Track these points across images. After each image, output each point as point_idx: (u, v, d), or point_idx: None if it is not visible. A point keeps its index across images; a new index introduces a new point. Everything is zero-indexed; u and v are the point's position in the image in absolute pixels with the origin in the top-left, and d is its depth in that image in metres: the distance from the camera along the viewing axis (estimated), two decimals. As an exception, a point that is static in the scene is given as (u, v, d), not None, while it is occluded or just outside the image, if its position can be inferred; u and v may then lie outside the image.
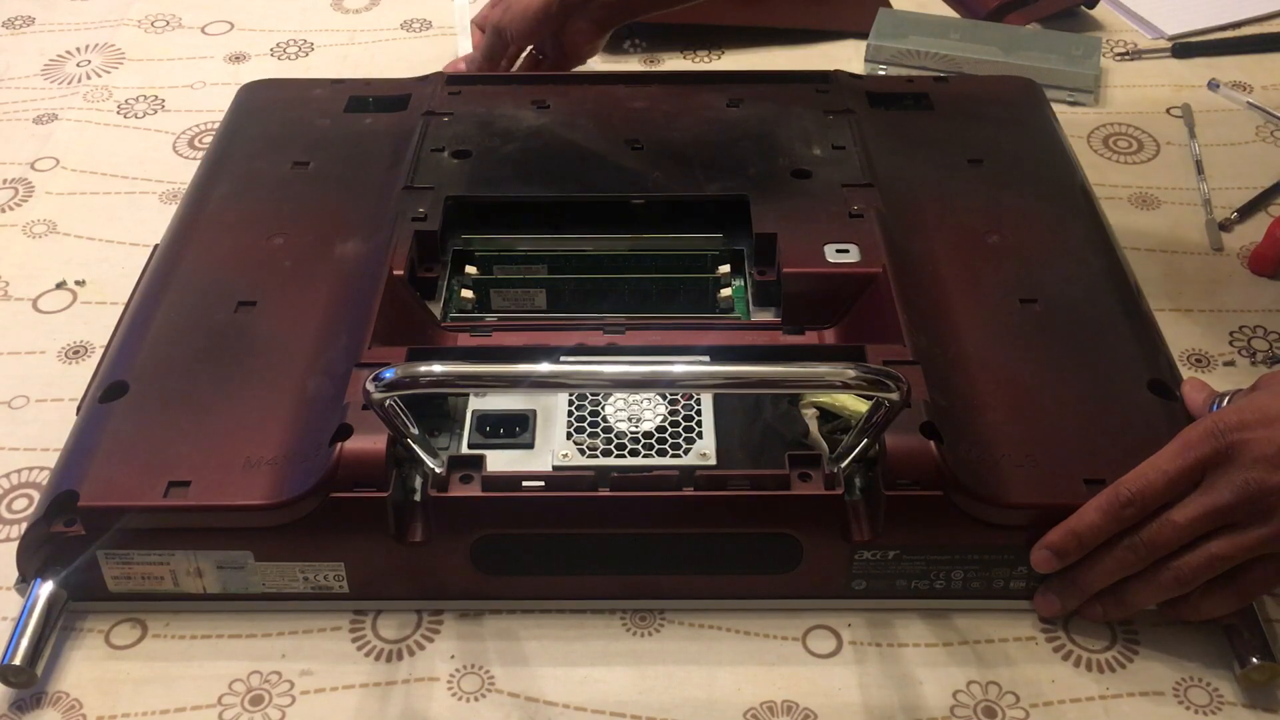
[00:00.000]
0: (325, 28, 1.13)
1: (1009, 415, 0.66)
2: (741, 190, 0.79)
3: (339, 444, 0.61)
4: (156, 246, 0.80)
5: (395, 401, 0.58)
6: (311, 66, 1.07)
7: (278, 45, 1.10)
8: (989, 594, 0.65)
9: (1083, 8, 1.11)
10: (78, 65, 1.07)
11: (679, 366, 0.58)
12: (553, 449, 0.65)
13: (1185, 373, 0.74)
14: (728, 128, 0.86)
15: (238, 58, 1.08)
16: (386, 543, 0.62)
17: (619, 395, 0.67)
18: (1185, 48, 1.07)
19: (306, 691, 0.62)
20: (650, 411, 0.66)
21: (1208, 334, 0.80)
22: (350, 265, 0.75)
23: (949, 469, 0.61)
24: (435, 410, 0.67)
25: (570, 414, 0.66)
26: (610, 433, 0.65)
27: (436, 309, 0.75)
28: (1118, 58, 1.07)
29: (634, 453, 0.64)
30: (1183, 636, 0.64)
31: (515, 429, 0.66)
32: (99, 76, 1.06)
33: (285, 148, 0.86)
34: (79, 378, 0.73)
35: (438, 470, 0.62)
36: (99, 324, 0.79)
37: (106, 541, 0.63)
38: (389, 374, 0.56)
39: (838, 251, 0.74)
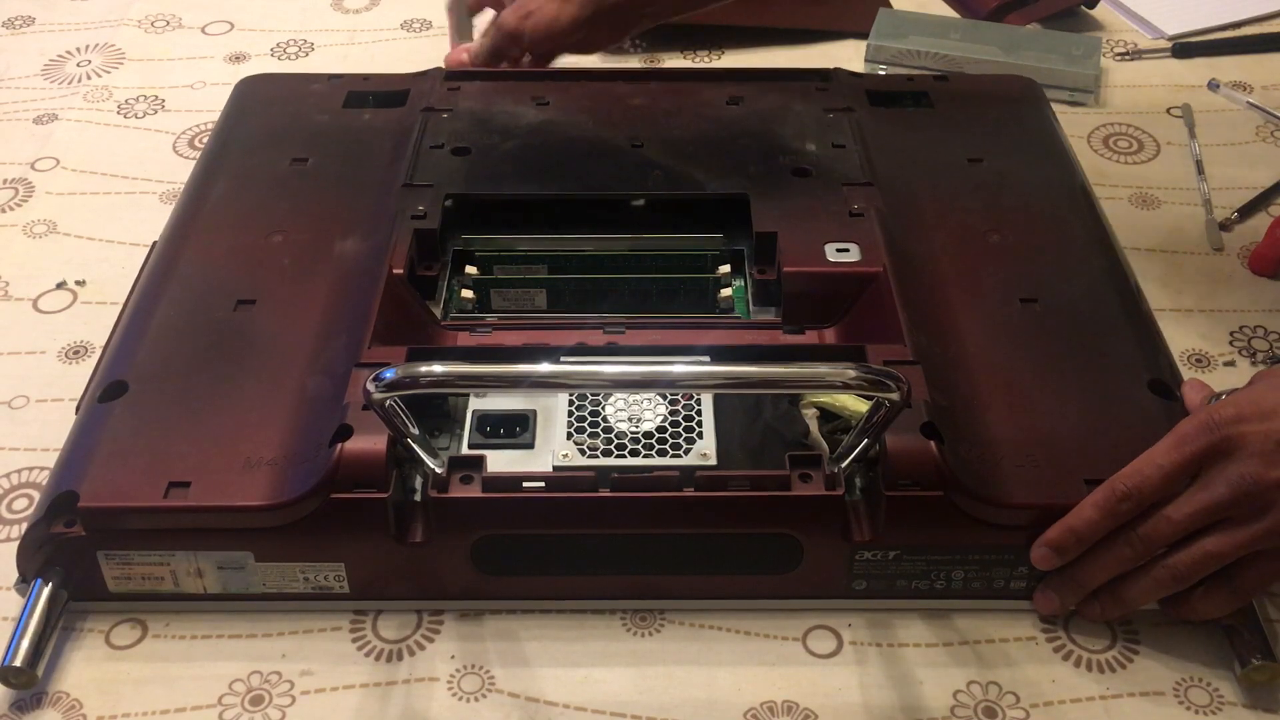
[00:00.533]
0: (325, 28, 1.13)
1: (1009, 415, 0.66)
2: (741, 189, 0.79)
3: (339, 444, 0.61)
4: (155, 244, 0.80)
5: (395, 401, 0.58)
6: (311, 67, 1.07)
7: (278, 45, 1.10)
8: (989, 594, 0.65)
9: (1083, 8, 1.11)
10: (78, 65, 1.07)
11: (679, 366, 0.58)
12: (553, 449, 0.65)
13: (1185, 373, 0.74)
14: (727, 125, 0.86)
15: (238, 58, 1.08)
16: (387, 543, 0.62)
17: (619, 395, 0.67)
18: (1185, 48, 1.07)
19: (307, 691, 0.62)
20: (650, 411, 0.66)
21: (1208, 334, 0.80)
22: (350, 263, 0.75)
23: (949, 469, 0.61)
24: (435, 410, 0.67)
25: (570, 414, 0.66)
26: (610, 433, 0.65)
27: (436, 309, 0.75)
28: (1118, 58, 1.07)
29: (634, 453, 0.64)
30: (1183, 636, 0.64)
31: (515, 429, 0.66)
32: (99, 76, 1.06)
33: (284, 144, 0.86)
34: (79, 378, 0.73)
35: (438, 471, 0.62)
36: (99, 324, 0.79)
37: (107, 542, 0.63)
38: (389, 374, 0.56)
39: (838, 251, 0.74)
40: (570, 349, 0.68)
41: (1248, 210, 0.90)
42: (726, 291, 0.76)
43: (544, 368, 0.58)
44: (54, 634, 0.63)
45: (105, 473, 0.63)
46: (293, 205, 0.80)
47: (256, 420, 0.65)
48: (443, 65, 0.95)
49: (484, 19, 1.01)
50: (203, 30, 1.12)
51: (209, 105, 1.01)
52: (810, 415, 0.67)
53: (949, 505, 0.61)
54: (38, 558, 0.63)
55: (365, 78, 0.94)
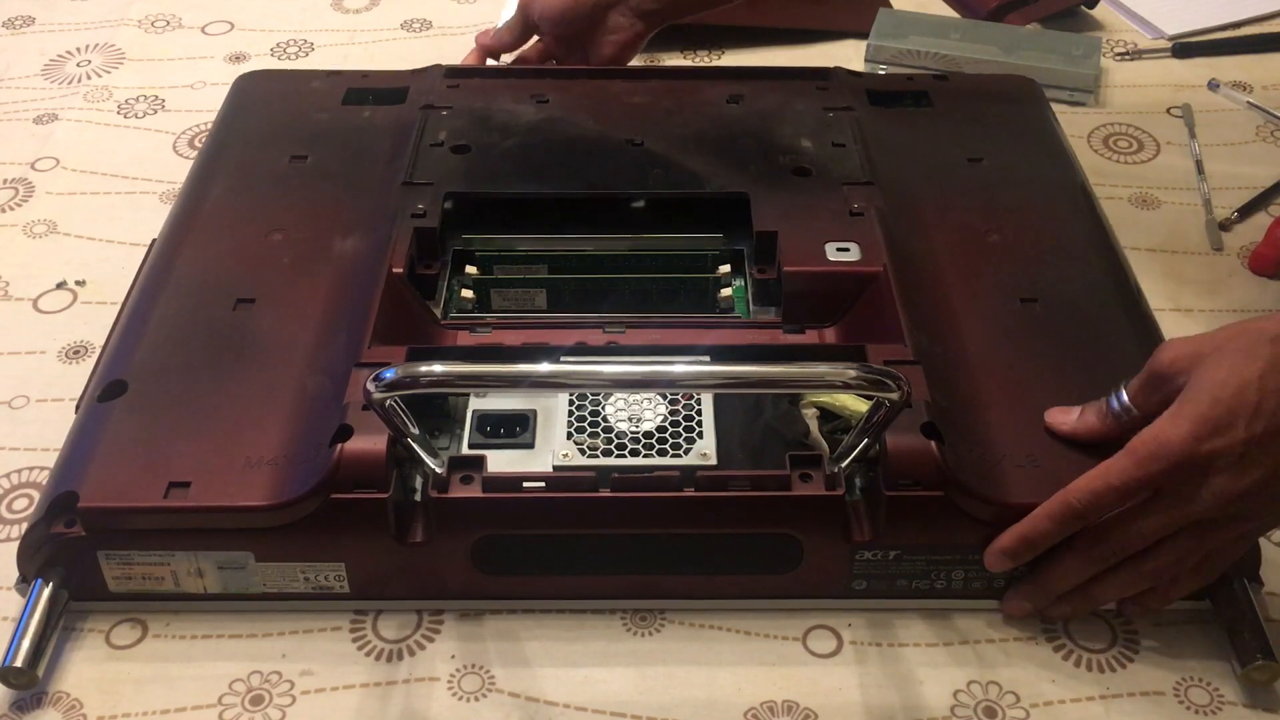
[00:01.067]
0: (325, 28, 1.13)
1: (1010, 415, 0.66)
2: (742, 188, 0.79)
3: (339, 445, 0.61)
4: (153, 242, 0.80)
5: (396, 401, 0.58)
6: (311, 66, 1.07)
7: (278, 45, 1.10)
8: (990, 594, 0.65)
9: (1083, 8, 1.11)
10: (78, 65, 1.07)
11: (679, 366, 0.58)
12: (553, 449, 0.65)
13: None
14: (728, 124, 0.86)
15: (238, 58, 1.08)
16: (387, 543, 0.62)
17: (619, 395, 0.67)
18: (1185, 48, 1.07)
19: (307, 691, 0.62)
20: (650, 411, 0.66)
21: (1208, 334, 0.80)
22: (349, 262, 0.75)
23: (950, 469, 0.61)
24: (435, 410, 0.67)
25: (571, 414, 0.66)
26: (610, 433, 0.65)
27: (437, 309, 0.75)
28: (1118, 58, 1.07)
29: (634, 453, 0.64)
30: (1183, 636, 0.64)
31: (515, 429, 0.66)
32: (99, 76, 1.06)
33: (283, 141, 0.86)
34: (79, 378, 0.73)
35: (438, 471, 0.62)
36: (99, 324, 0.79)
37: (107, 542, 0.63)
38: (389, 374, 0.56)
39: (838, 250, 0.74)
40: (570, 349, 0.68)
41: (1248, 210, 0.90)
42: (726, 291, 0.76)
43: (544, 368, 0.58)
44: (54, 634, 0.63)
45: (105, 473, 0.63)
46: (292, 203, 0.80)
47: (256, 420, 0.65)
48: (442, 64, 0.95)
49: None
50: (203, 30, 1.12)
51: (209, 105, 1.01)
52: (810, 415, 0.67)
53: (949, 505, 0.61)
54: (38, 558, 0.63)
55: (364, 74, 0.94)
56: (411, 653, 0.64)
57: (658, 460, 0.64)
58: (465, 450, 0.65)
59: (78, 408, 0.69)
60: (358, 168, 0.83)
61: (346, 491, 0.61)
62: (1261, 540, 0.64)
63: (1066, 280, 0.75)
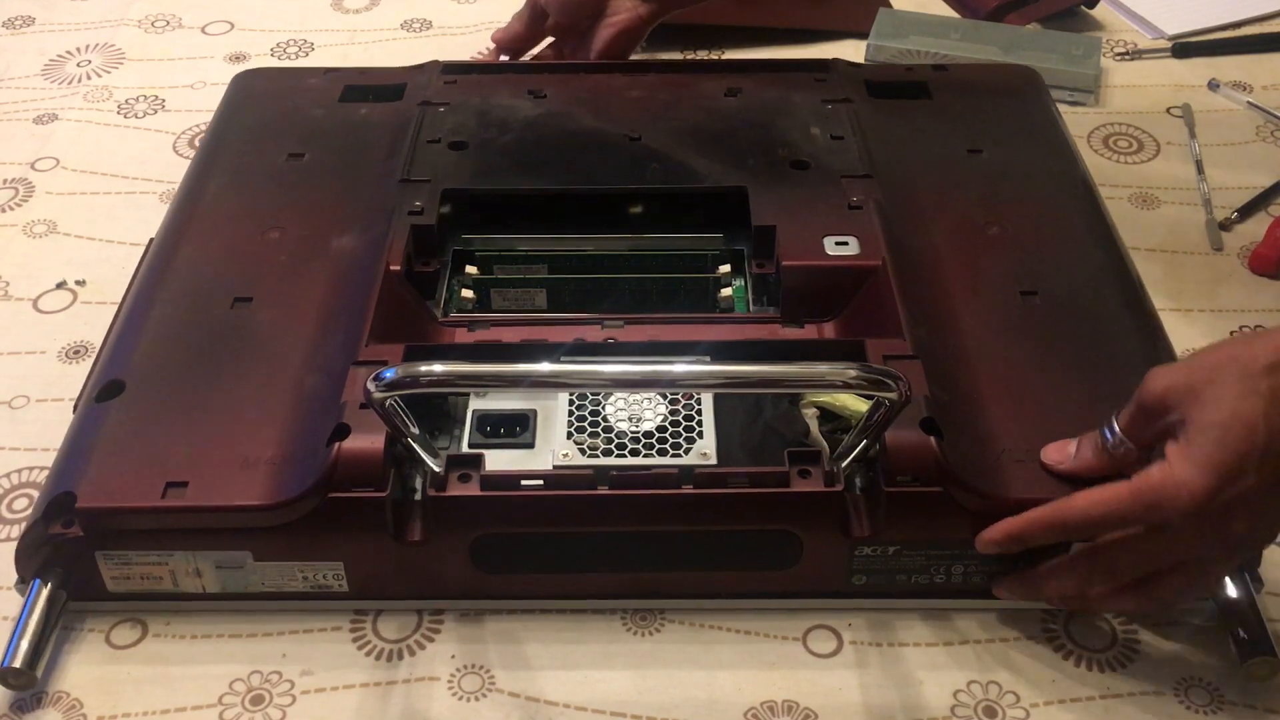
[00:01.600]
0: (325, 28, 1.13)
1: (1009, 410, 0.66)
2: (740, 182, 0.79)
3: (336, 444, 0.61)
4: (152, 240, 0.80)
5: (396, 401, 0.58)
6: (311, 66, 1.07)
7: (278, 45, 1.10)
8: (990, 591, 0.64)
9: (1083, 8, 1.11)
10: (78, 65, 1.07)
11: (679, 366, 0.58)
12: (553, 449, 0.65)
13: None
14: (726, 118, 0.86)
15: (238, 58, 1.08)
16: (386, 542, 0.62)
17: (619, 395, 0.67)
18: (1185, 48, 1.07)
19: (307, 691, 0.62)
20: (650, 411, 0.66)
21: (1208, 334, 0.80)
22: (347, 260, 0.75)
23: (949, 465, 0.61)
24: (435, 410, 0.67)
25: (571, 414, 0.66)
26: (610, 432, 0.65)
27: (436, 309, 0.75)
28: (1118, 58, 1.07)
29: (634, 453, 0.64)
30: (1183, 637, 0.64)
31: (515, 429, 0.66)
32: (99, 76, 1.06)
33: (280, 139, 0.86)
34: (79, 378, 0.73)
35: (436, 470, 0.62)
36: (99, 324, 0.79)
37: (105, 542, 0.62)
38: (389, 374, 0.56)
39: (837, 244, 0.73)
40: (569, 346, 0.68)
41: (1248, 210, 0.90)
42: (726, 291, 0.76)
43: (544, 367, 0.58)
44: (53, 634, 0.63)
45: (102, 473, 0.63)
46: (289, 201, 0.80)
47: (254, 419, 0.65)
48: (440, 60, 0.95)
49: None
50: (203, 30, 1.12)
51: (209, 105, 1.00)
52: (810, 415, 0.67)
53: (948, 501, 0.61)
54: (36, 558, 0.63)
55: (362, 71, 0.94)
56: (411, 653, 0.64)
57: (658, 460, 0.64)
58: (465, 450, 0.65)
59: (76, 408, 0.69)
60: (355, 165, 0.83)
61: (344, 491, 0.61)
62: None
63: (1067, 273, 0.74)
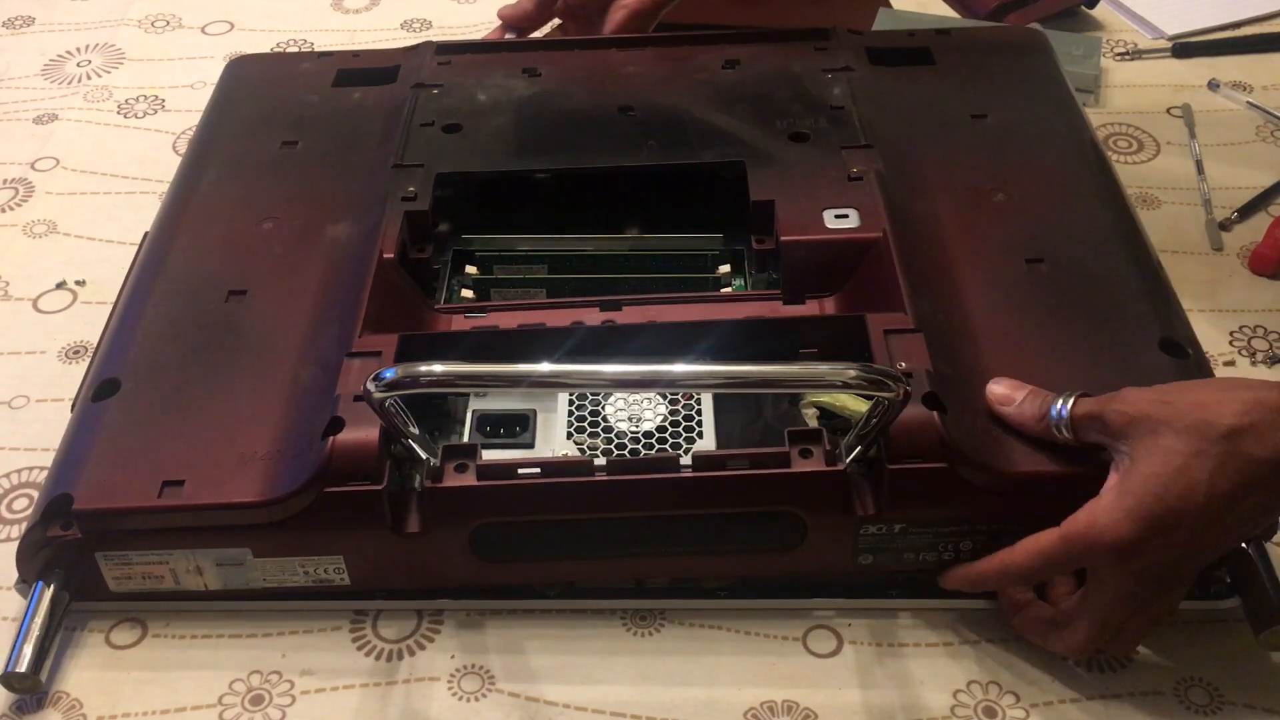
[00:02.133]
0: (325, 28, 1.12)
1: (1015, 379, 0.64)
2: (738, 156, 0.78)
3: (331, 438, 0.61)
4: (146, 234, 0.79)
5: (395, 401, 0.58)
6: (311, 66, 1.07)
7: (278, 45, 1.10)
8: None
9: (1083, 8, 1.11)
10: (78, 65, 1.07)
11: (679, 366, 0.58)
12: (553, 448, 0.64)
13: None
14: (724, 90, 0.84)
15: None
16: (384, 534, 0.62)
17: (619, 395, 0.67)
18: (1185, 48, 1.07)
19: (307, 691, 0.62)
20: (650, 411, 0.66)
21: (1208, 334, 0.80)
22: (341, 249, 0.74)
23: (952, 441, 0.60)
24: (435, 410, 0.67)
25: (571, 414, 0.66)
26: (610, 432, 0.65)
27: (434, 297, 0.74)
28: (1118, 58, 1.07)
29: (634, 452, 0.64)
30: (1183, 636, 0.64)
31: (515, 428, 0.66)
32: (99, 76, 1.06)
33: (273, 126, 0.85)
34: (79, 378, 0.73)
35: (432, 461, 0.61)
36: (99, 324, 0.78)
37: (104, 543, 0.62)
38: (389, 374, 0.56)
39: (836, 217, 0.72)
40: (566, 329, 0.67)
41: (1248, 210, 0.90)
42: (726, 291, 0.76)
43: (544, 368, 0.57)
44: (56, 637, 0.63)
45: (99, 474, 0.63)
46: (283, 191, 0.79)
47: (249, 414, 0.65)
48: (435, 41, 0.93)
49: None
50: (203, 30, 1.12)
51: (209, 105, 1.01)
52: (810, 415, 0.67)
53: (953, 477, 0.60)
54: (37, 561, 0.63)
55: (355, 54, 0.93)
56: (411, 653, 0.64)
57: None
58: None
59: (73, 407, 0.69)
60: (349, 152, 0.82)
61: (339, 485, 0.60)
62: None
63: (1073, 238, 0.73)
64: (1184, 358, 0.66)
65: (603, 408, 0.66)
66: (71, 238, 0.89)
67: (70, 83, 1.05)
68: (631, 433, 0.65)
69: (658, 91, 0.85)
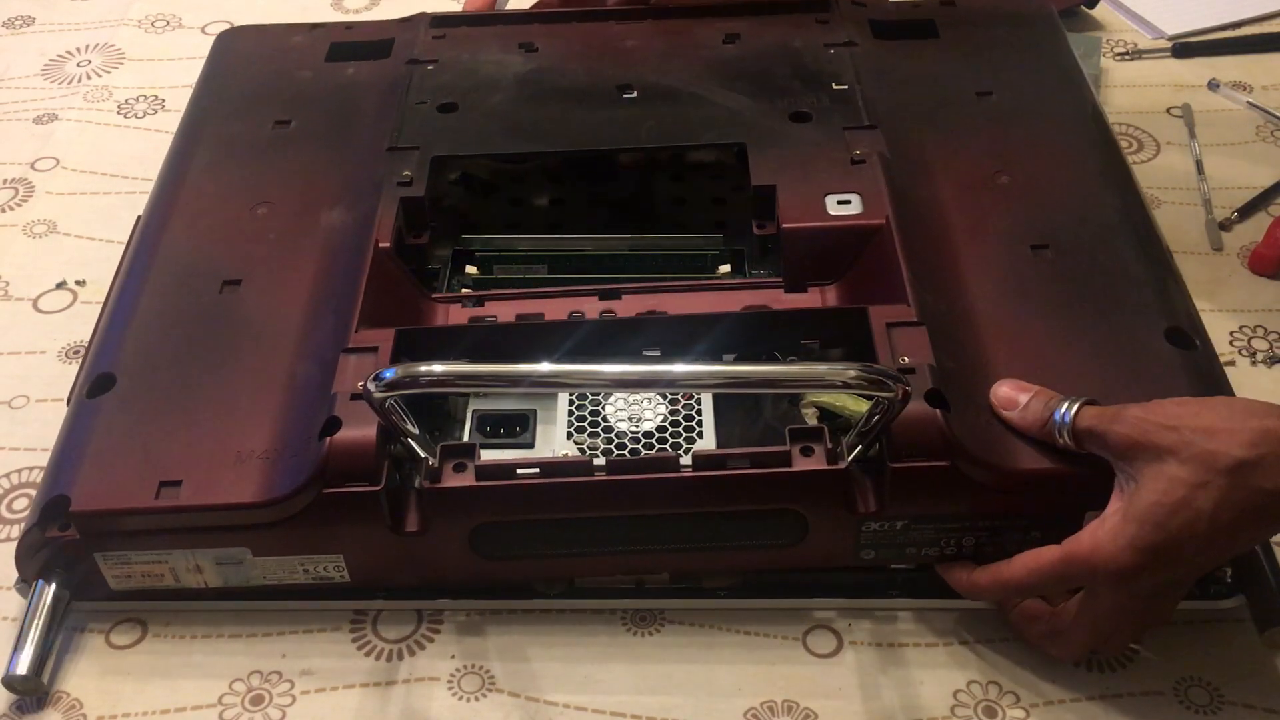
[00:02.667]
0: (325, 28, 1.12)
1: (1019, 375, 0.63)
2: (738, 138, 0.76)
3: (328, 438, 0.60)
4: (139, 219, 0.78)
5: (396, 401, 0.58)
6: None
7: (278, 45, 1.10)
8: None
9: (1083, 8, 1.11)
10: (78, 65, 1.07)
11: (679, 366, 0.58)
12: (553, 449, 0.64)
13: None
14: (723, 67, 0.83)
15: (238, 58, 1.08)
16: (383, 534, 0.61)
17: (619, 395, 0.67)
18: (1185, 48, 1.07)
19: (307, 691, 0.62)
20: (650, 411, 0.66)
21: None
22: (336, 236, 0.73)
23: (955, 438, 0.59)
24: (435, 410, 0.67)
25: (571, 414, 0.66)
26: (610, 432, 0.65)
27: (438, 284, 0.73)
28: (1118, 58, 1.07)
29: (634, 452, 0.64)
30: (1183, 636, 0.64)
31: (515, 429, 0.66)
32: (99, 76, 1.06)
33: (266, 104, 0.83)
34: (79, 378, 0.73)
35: (431, 462, 0.61)
36: (99, 324, 0.79)
37: (102, 544, 0.62)
38: (389, 374, 0.56)
39: (839, 203, 0.71)
40: (567, 323, 0.67)
41: (1248, 210, 0.90)
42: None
43: (544, 368, 0.57)
44: (57, 638, 0.62)
45: (96, 474, 0.63)
46: (276, 174, 0.78)
47: (246, 411, 0.64)
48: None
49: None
50: (203, 30, 1.12)
51: (209, 105, 1.01)
52: (810, 415, 0.66)
53: (956, 475, 0.59)
54: (35, 561, 0.63)
55: (348, 26, 0.91)
56: (411, 653, 0.64)
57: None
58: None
59: (68, 401, 0.68)
60: (343, 132, 0.80)
61: (337, 485, 0.60)
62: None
63: (1079, 223, 0.71)
64: (1191, 349, 0.66)
65: (603, 408, 0.66)
66: (71, 238, 0.89)
67: (70, 83, 1.05)
68: (631, 433, 0.65)
69: (656, 68, 0.83)
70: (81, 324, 0.82)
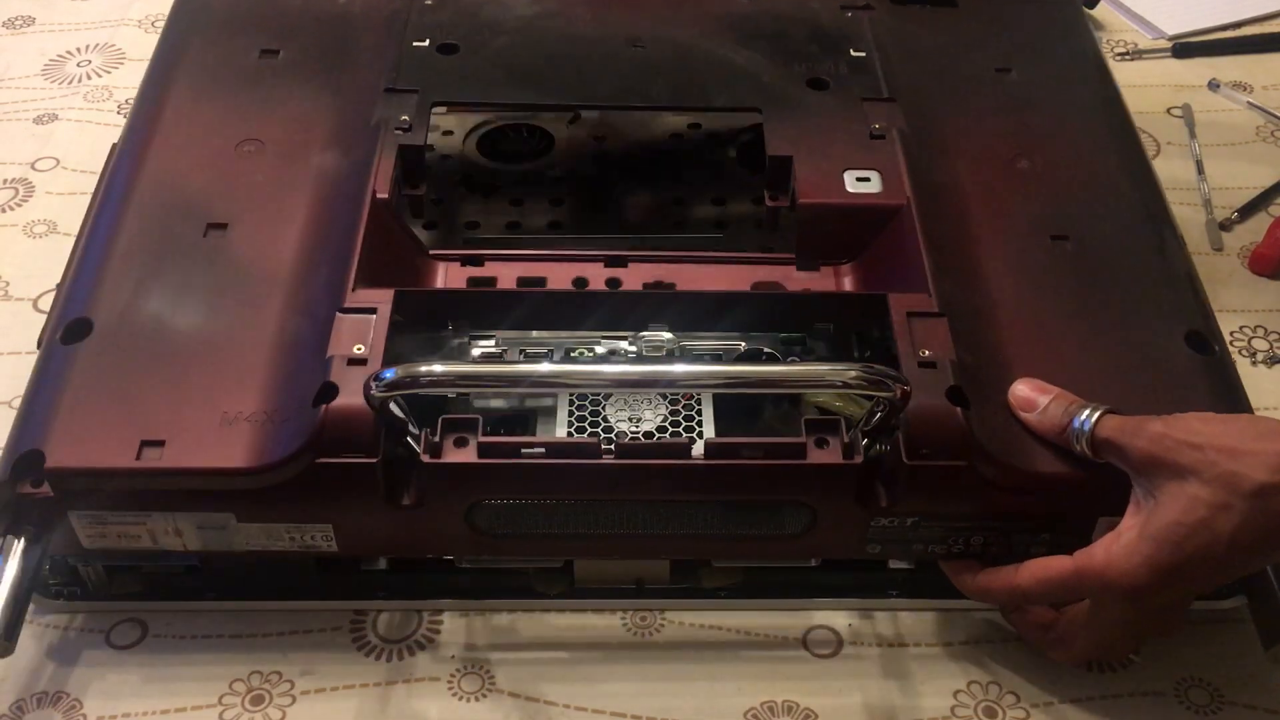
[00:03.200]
0: (325, 28, 1.12)
1: (1038, 372, 0.62)
2: (754, 103, 0.74)
3: (324, 405, 0.58)
4: (114, 146, 0.74)
5: (395, 401, 0.58)
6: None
7: (278, 45, 1.10)
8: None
9: (1083, 8, 1.11)
10: (78, 65, 1.07)
11: (679, 366, 0.58)
12: (553, 447, 0.64)
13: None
14: (738, 23, 0.80)
15: (238, 58, 1.08)
16: (377, 505, 0.59)
17: (620, 395, 0.67)
18: (1185, 48, 1.07)
19: (307, 691, 0.62)
20: (650, 411, 0.66)
21: (1208, 334, 0.80)
22: (330, 182, 0.69)
23: (974, 438, 0.58)
24: (435, 410, 0.67)
25: (571, 414, 0.66)
26: (610, 432, 0.65)
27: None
28: (1118, 58, 1.07)
29: (636, 451, 0.64)
30: (1183, 636, 0.64)
31: (516, 429, 0.65)
32: (99, 76, 1.06)
33: (252, 31, 0.79)
34: (79, 378, 0.73)
35: (432, 438, 0.59)
36: (99, 324, 0.79)
37: (78, 503, 0.59)
38: (389, 374, 0.56)
39: (858, 180, 0.69)
40: (570, 293, 0.66)
41: (1248, 210, 0.90)
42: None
43: (544, 368, 0.57)
44: (29, 595, 0.59)
45: (72, 428, 0.59)
46: (264, 109, 0.73)
47: (234, 368, 0.61)
48: None
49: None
50: (203, 30, 1.12)
51: (209, 105, 1.01)
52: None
53: (972, 474, 0.58)
54: (4, 517, 0.59)
55: None
56: (411, 653, 0.64)
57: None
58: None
59: (39, 344, 0.64)
60: (337, 65, 0.76)
61: (333, 455, 0.57)
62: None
63: (1100, 215, 0.70)
64: (1209, 354, 0.65)
65: (603, 408, 0.66)
66: (71, 238, 0.88)
67: (70, 83, 1.05)
68: (631, 433, 0.65)
69: (669, 22, 0.79)
70: (81, 324, 0.82)
